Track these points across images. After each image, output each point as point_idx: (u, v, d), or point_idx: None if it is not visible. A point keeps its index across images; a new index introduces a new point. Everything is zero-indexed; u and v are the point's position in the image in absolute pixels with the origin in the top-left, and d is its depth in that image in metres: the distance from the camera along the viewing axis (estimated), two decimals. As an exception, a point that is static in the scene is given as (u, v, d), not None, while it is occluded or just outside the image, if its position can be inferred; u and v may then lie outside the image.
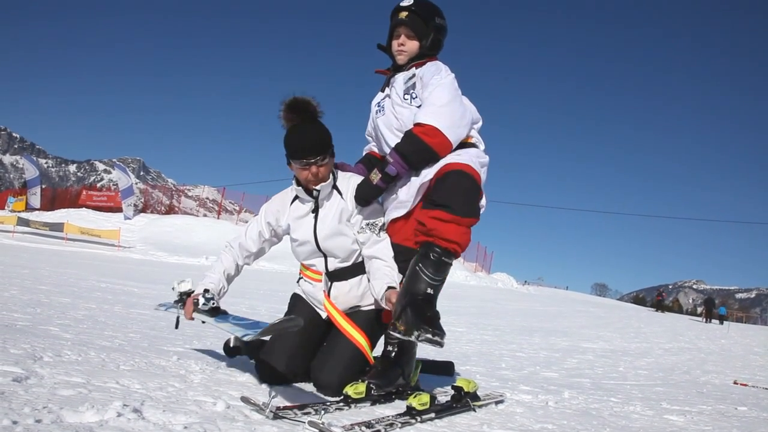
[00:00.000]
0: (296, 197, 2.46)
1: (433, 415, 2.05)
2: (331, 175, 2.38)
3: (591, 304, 25.45)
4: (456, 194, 2.13)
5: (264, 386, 2.23)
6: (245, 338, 1.65)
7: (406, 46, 2.44)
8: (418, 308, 2.08)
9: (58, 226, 20.47)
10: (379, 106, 2.53)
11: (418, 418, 1.98)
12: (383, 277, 2.31)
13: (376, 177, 2.31)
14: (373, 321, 2.46)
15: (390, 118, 2.45)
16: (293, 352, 2.36)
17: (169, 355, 2.65)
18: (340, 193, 2.42)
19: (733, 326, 21.88)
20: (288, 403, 1.95)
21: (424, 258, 2.15)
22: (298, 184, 2.40)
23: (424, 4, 2.44)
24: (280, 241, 2.60)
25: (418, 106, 2.36)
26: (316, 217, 2.40)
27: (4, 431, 1.31)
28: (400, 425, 1.89)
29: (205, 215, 33.49)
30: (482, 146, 2.45)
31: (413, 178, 2.35)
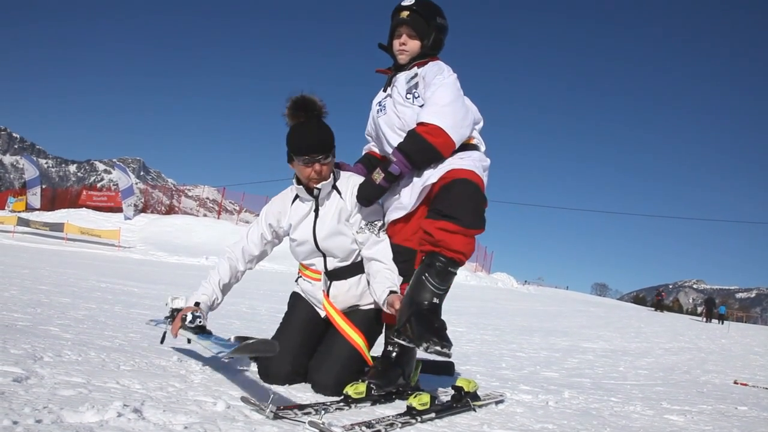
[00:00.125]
0: (296, 197, 2.46)
1: (433, 415, 2.05)
2: (331, 175, 2.39)
3: (591, 304, 25.46)
4: (462, 205, 2.13)
5: (264, 386, 2.23)
6: (221, 356, 1.62)
7: (408, 45, 2.44)
8: (425, 318, 2.08)
9: (58, 226, 20.47)
10: (380, 105, 2.53)
11: (419, 418, 1.98)
12: (384, 280, 2.31)
13: (379, 176, 2.30)
14: (371, 320, 2.46)
15: (392, 118, 2.45)
16: (297, 351, 2.36)
17: (170, 355, 2.66)
18: (339, 192, 2.42)
19: (734, 326, 21.88)
20: (288, 403, 1.95)
21: (429, 267, 2.15)
22: (299, 183, 2.40)
23: (426, 4, 2.44)
24: (281, 242, 2.60)
25: (421, 106, 2.36)
26: (315, 217, 2.40)
27: (5, 431, 1.31)
28: (400, 425, 1.89)
29: (205, 215, 33.51)
30: (483, 147, 2.44)
31: (415, 179, 2.35)
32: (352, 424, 1.76)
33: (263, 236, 2.52)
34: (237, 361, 2.64)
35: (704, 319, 26.38)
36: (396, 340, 2.17)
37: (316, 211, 2.41)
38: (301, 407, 1.89)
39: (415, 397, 2.03)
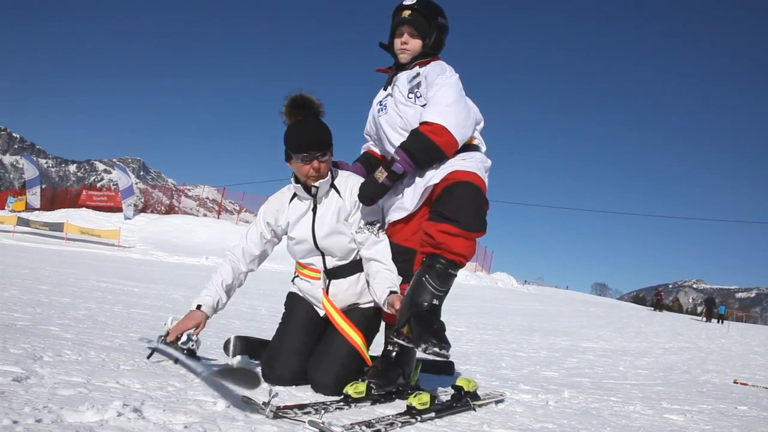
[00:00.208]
0: (294, 195, 2.46)
1: (433, 414, 2.05)
2: (329, 173, 2.39)
3: (591, 304, 25.46)
4: (464, 208, 2.13)
5: (264, 386, 2.22)
6: (203, 375, 1.60)
7: (410, 44, 2.44)
8: (424, 320, 2.09)
9: (58, 226, 20.48)
10: (381, 104, 2.53)
11: (419, 418, 1.98)
12: (384, 281, 2.31)
13: (381, 175, 2.30)
14: (370, 319, 2.47)
15: (394, 117, 2.45)
16: (301, 352, 2.36)
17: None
18: (338, 191, 2.42)
19: (733, 326, 21.89)
20: (288, 403, 1.95)
21: (429, 269, 2.16)
22: (297, 181, 2.40)
23: (428, 3, 2.44)
24: (280, 241, 2.59)
25: (423, 105, 2.36)
26: (314, 216, 2.40)
27: (5, 431, 1.31)
28: (400, 425, 1.89)
29: (205, 215, 33.51)
30: (484, 148, 2.45)
31: (417, 180, 2.34)
32: (352, 424, 1.76)
33: (262, 235, 2.51)
34: (237, 361, 2.63)
35: (704, 319, 26.38)
36: (396, 340, 2.18)
37: (314, 209, 2.41)
38: (301, 407, 1.89)
39: (415, 396, 2.03)
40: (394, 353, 2.36)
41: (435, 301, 2.15)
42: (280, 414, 1.76)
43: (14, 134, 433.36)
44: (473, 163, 2.27)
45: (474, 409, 2.28)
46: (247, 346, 2.75)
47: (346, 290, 2.45)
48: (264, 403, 1.76)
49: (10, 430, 1.31)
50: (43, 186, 31.68)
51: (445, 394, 2.38)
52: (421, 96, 2.38)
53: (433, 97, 2.31)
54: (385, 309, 2.28)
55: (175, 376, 2.16)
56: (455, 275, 2.21)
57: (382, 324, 2.50)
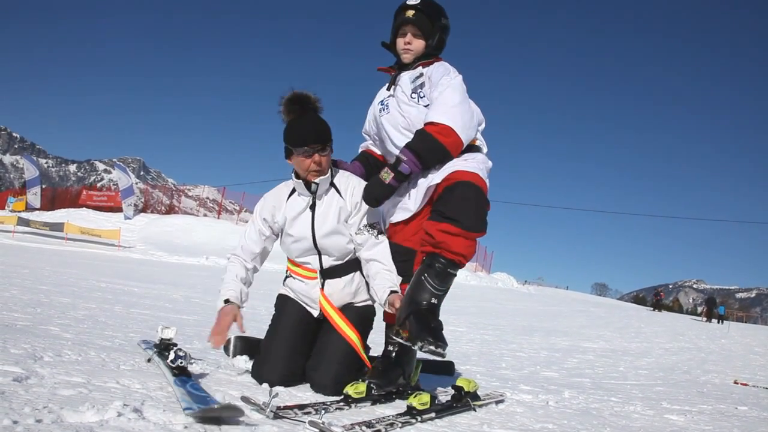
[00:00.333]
0: (293, 192, 2.44)
1: (433, 414, 2.05)
2: (329, 171, 2.39)
3: (591, 304, 25.45)
4: (465, 208, 2.14)
5: (264, 386, 2.23)
6: (186, 412, 1.58)
7: (413, 45, 2.44)
8: (422, 318, 2.10)
9: (58, 226, 20.48)
10: (382, 104, 2.53)
11: (419, 418, 1.98)
12: (384, 281, 2.31)
13: (388, 176, 2.29)
14: (364, 317, 2.47)
15: (396, 117, 2.45)
16: (289, 355, 2.35)
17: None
18: (338, 191, 2.41)
19: (734, 326, 21.87)
20: (288, 403, 1.95)
21: (429, 268, 2.16)
22: (297, 178, 2.40)
23: (431, 3, 2.44)
24: (278, 237, 2.57)
25: (426, 106, 2.36)
26: (313, 213, 2.40)
27: (5, 431, 1.31)
28: (400, 425, 1.89)
29: (205, 215, 33.51)
30: (485, 149, 2.45)
31: (420, 180, 2.34)
32: (352, 424, 1.76)
33: (261, 232, 2.50)
34: (237, 361, 2.63)
35: (704, 319, 26.37)
36: (394, 338, 2.19)
37: (313, 207, 2.40)
38: (301, 407, 1.89)
39: (415, 396, 2.03)
40: (394, 353, 2.36)
41: (434, 300, 2.15)
42: (281, 414, 1.76)
43: (14, 134, 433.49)
44: (475, 164, 2.27)
45: (474, 410, 2.28)
46: (247, 346, 2.75)
47: (342, 289, 2.45)
48: (264, 404, 1.76)
49: (10, 430, 1.31)
50: (44, 186, 31.69)
51: (446, 395, 2.38)
52: (424, 96, 2.39)
53: (438, 97, 2.31)
54: (386, 309, 2.28)
55: (175, 376, 2.16)
56: (455, 275, 2.21)
57: (382, 324, 2.50)
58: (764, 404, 3.72)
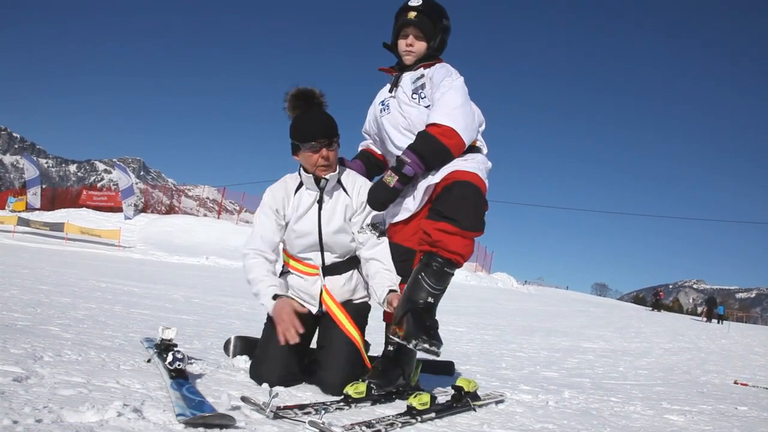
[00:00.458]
0: (299, 186, 2.42)
1: (433, 414, 2.05)
2: (337, 167, 2.39)
3: (591, 304, 25.45)
4: (462, 207, 2.14)
5: (264, 386, 2.23)
6: (179, 418, 1.57)
7: (415, 46, 2.44)
8: (417, 317, 2.11)
9: (58, 226, 20.49)
10: (383, 105, 2.53)
11: (419, 418, 1.98)
12: (384, 280, 2.32)
13: (392, 179, 2.29)
14: (362, 314, 2.48)
15: (397, 118, 2.45)
16: (287, 354, 2.34)
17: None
18: (344, 189, 2.41)
19: (734, 326, 21.87)
20: (288, 403, 1.95)
21: (426, 267, 2.17)
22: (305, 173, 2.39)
23: (433, 5, 2.44)
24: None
25: (426, 107, 2.36)
26: (320, 210, 2.39)
27: (5, 431, 1.31)
28: (400, 425, 1.89)
29: (205, 215, 33.52)
30: (486, 150, 2.46)
31: (420, 181, 2.35)
32: (352, 424, 1.76)
33: (277, 221, 2.41)
34: (237, 361, 2.64)
35: (704, 319, 26.37)
36: (391, 337, 2.20)
37: (320, 202, 2.39)
38: (301, 407, 1.89)
39: (415, 396, 2.03)
40: (394, 353, 2.36)
41: (430, 299, 2.16)
42: (280, 414, 1.76)
43: (14, 134, 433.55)
44: (474, 164, 2.27)
45: (474, 410, 2.28)
46: (247, 346, 2.75)
47: (342, 287, 2.46)
48: (264, 404, 1.76)
49: (10, 430, 1.31)
50: (44, 186, 31.71)
51: (446, 395, 2.38)
52: (425, 97, 2.39)
53: (440, 99, 2.31)
54: (384, 307, 2.29)
55: (175, 377, 2.16)
56: (452, 274, 2.22)
57: (382, 324, 2.51)
58: (764, 404, 3.72)
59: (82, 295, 5.49)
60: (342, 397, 2.14)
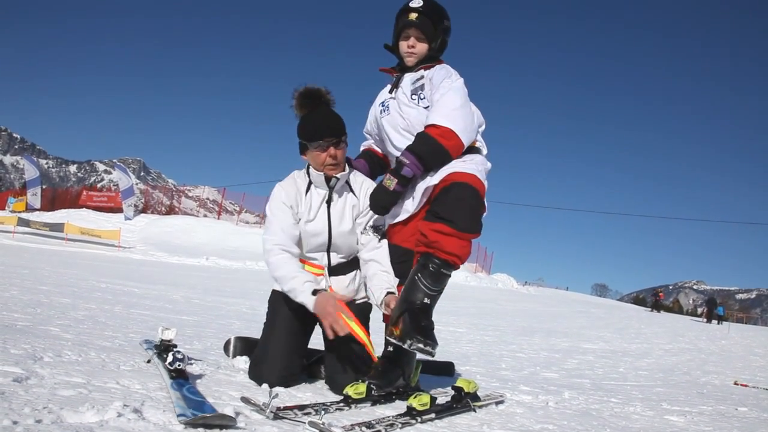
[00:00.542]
0: (309, 185, 2.40)
1: (433, 415, 2.05)
2: (347, 167, 2.39)
3: (591, 305, 25.44)
4: (459, 209, 2.15)
5: (264, 387, 2.23)
6: (180, 419, 1.57)
7: (416, 48, 2.44)
8: (413, 317, 2.12)
9: (58, 227, 20.49)
10: (383, 105, 2.53)
11: (419, 419, 1.98)
12: (382, 282, 2.33)
13: (392, 182, 2.29)
14: (365, 315, 2.49)
15: (396, 118, 2.45)
16: (288, 353, 2.34)
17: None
18: (352, 190, 2.42)
19: (734, 327, 21.86)
20: (288, 404, 1.95)
21: (423, 268, 2.18)
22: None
23: (434, 6, 2.44)
24: None
25: (426, 107, 2.36)
26: (329, 210, 2.39)
27: (5, 431, 1.31)
28: (400, 425, 1.89)
29: (205, 216, 33.53)
30: (485, 151, 2.46)
31: (418, 182, 2.35)
32: (352, 425, 1.76)
33: (293, 216, 2.35)
34: (237, 361, 2.64)
35: (705, 320, 26.36)
36: (387, 338, 2.20)
37: (329, 201, 2.38)
38: (301, 407, 1.89)
39: (415, 397, 2.03)
40: (393, 354, 2.36)
41: (427, 300, 2.17)
42: (280, 415, 1.76)
43: (15, 135, 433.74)
44: (473, 165, 2.27)
45: (474, 410, 2.28)
46: (247, 346, 2.75)
47: (346, 287, 2.46)
48: (264, 404, 1.76)
49: (10, 430, 1.31)
50: (44, 186, 31.72)
51: (445, 395, 2.38)
52: (424, 98, 2.39)
53: (439, 100, 2.31)
54: (382, 310, 2.30)
55: (175, 377, 2.16)
56: (449, 275, 2.22)
57: (383, 325, 2.51)
58: (764, 405, 3.72)
59: (82, 296, 5.49)
60: (342, 397, 2.14)
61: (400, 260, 2.37)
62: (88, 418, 1.47)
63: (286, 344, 2.36)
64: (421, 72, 2.44)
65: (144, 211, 30.06)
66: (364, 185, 2.43)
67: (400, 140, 2.41)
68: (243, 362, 2.60)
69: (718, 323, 24.92)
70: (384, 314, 2.36)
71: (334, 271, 2.45)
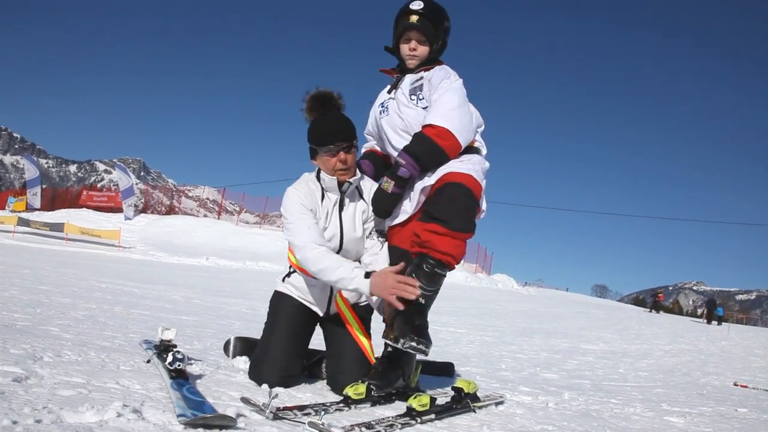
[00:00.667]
0: (323, 191, 2.38)
1: (433, 416, 2.05)
2: (358, 171, 2.39)
3: (591, 306, 25.44)
4: (452, 209, 2.15)
5: (264, 387, 2.23)
6: (180, 419, 1.56)
7: (418, 51, 2.44)
8: (407, 317, 2.13)
9: (58, 227, 20.50)
10: (382, 106, 2.53)
11: (418, 419, 1.98)
12: None
13: (389, 185, 2.29)
14: (367, 318, 2.48)
15: (394, 119, 2.45)
16: (288, 354, 2.34)
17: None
18: (361, 195, 2.42)
19: (734, 328, 21.86)
20: (288, 404, 1.95)
21: (417, 269, 2.18)
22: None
23: (434, 8, 2.44)
24: None
25: (424, 108, 2.36)
26: (340, 215, 2.38)
27: (4, 431, 1.31)
28: (400, 426, 1.89)
29: (205, 215, 33.54)
30: (484, 151, 2.46)
31: (417, 183, 2.35)
32: (351, 425, 1.76)
33: (313, 218, 2.31)
34: (237, 362, 2.64)
35: (705, 321, 26.36)
36: (384, 340, 2.20)
37: (341, 206, 2.38)
38: (300, 408, 1.89)
39: (415, 398, 2.03)
40: (393, 354, 2.36)
41: (421, 300, 2.16)
42: (280, 415, 1.76)
43: (15, 134, 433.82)
44: (470, 165, 2.27)
45: (474, 411, 2.27)
46: (247, 347, 2.75)
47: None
48: (264, 404, 1.76)
49: (9, 430, 1.31)
50: (44, 186, 31.73)
51: (445, 396, 2.38)
52: (423, 98, 2.39)
53: (437, 100, 2.31)
54: (379, 313, 2.32)
55: (174, 377, 2.16)
56: (444, 275, 2.22)
57: (383, 325, 2.51)
58: (764, 406, 3.72)
59: (82, 296, 5.49)
60: (341, 398, 2.14)
61: (399, 262, 2.37)
62: (88, 418, 1.47)
63: (286, 345, 2.36)
64: (422, 73, 2.44)
65: (144, 211, 30.08)
66: (373, 190, 2.43)
67: (398, 141, 2.41)
68: (243, 362, 2.60)
69: (718, 324, 24.91)
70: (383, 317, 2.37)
71: None
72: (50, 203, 30.94)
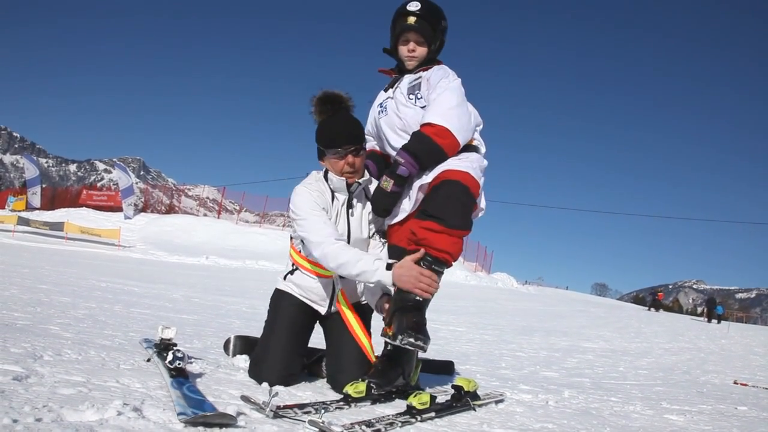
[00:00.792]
0: (333, 193, 2.38)
1: (433, 414, 2.05)
2: (366, 172, 2.39)
3: (591, 304, 25.45)
4: (448, 206, 2.15)
5: (264, 385, 2.23)
6: (180, 417, 1.56)
7: (417, 52, 2.44)
8: (405, 313, 2.13)
9: (58, 226, 20.50)
10: (381, 106, 2.53)
11: (419, 417, 1.98)
12: (377, 287, 2.35)
13: (388, 183, 2.29)
14: (367, 317, 2.49)
15: (393, 119, 2.45)
16: (288, 353, 2.35)
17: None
18: (367, 196, 2.42)
19: (733, 326, 21.87)
20: (288, 402, 1.95)
21: None
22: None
23: (431, 8, 2.44)
24: None
25: (423, 107, 2.36)
26: (348, 215, 2.38)
27: (5, 430, 1.31)
28: (400, 424, 1.89)
29: (205, 215, 33.56)
30: (483, 149, 2.46)
31: (415, 182, 2.35)
32: (352, 423, 1.76)
33: (327, 215, 2.31)
34: (237, 360, 2.64)
35: (705, 320, 26.38)
36: (382, 337, 2.21)
37: (349, 207, 2.38)
38: (300, 406, 1.89)
39: (415, 396, 2.03)
40: (394, 353, 2.36)
41: (419, 298, 2.17)
42: (280, 414, 1.76)
43: (14, 134, 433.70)
44: (468, 163, 2.27)
45: (474, 409, 2.28)
46: (247, 345, 2.75)
47: (353, 289, 2.48)
48: (264, 403, 1.76)
49: (10, 429, 1.31)
50: (44, 185, 31.73)
51: (445, 394, 2.38)
52: (421, 98, 2.39)
53: (436, 99, 2.31)
54: (378, 312, 2.33)
55: (175, 376, 2.16)
56: (441, 272, 2.23)
57: (382, 324, 2.51)
58: (764, 404, 3.72)
59: (82, 295, 5.49)
60: (342, 396, 2.14)
61: (397, 260, 2.38)
62: (88, 416, 1.47)
63: (286, 343, 2.36)
64: (420, 74, 2.45)
65: (144, 210, 30.08)
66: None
67: (397, 140, 2.41)
68: (243, 361, 2.60)
69: (718, 322, 24.92)
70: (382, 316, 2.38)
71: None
72: (50, 202, 30.95)
